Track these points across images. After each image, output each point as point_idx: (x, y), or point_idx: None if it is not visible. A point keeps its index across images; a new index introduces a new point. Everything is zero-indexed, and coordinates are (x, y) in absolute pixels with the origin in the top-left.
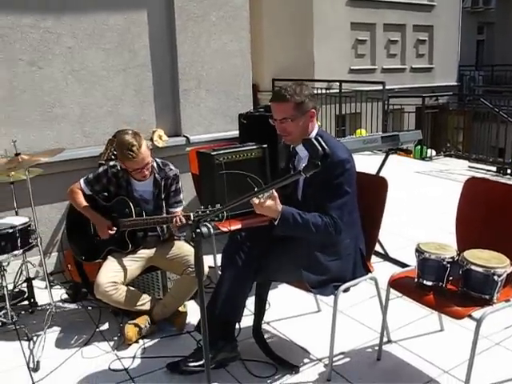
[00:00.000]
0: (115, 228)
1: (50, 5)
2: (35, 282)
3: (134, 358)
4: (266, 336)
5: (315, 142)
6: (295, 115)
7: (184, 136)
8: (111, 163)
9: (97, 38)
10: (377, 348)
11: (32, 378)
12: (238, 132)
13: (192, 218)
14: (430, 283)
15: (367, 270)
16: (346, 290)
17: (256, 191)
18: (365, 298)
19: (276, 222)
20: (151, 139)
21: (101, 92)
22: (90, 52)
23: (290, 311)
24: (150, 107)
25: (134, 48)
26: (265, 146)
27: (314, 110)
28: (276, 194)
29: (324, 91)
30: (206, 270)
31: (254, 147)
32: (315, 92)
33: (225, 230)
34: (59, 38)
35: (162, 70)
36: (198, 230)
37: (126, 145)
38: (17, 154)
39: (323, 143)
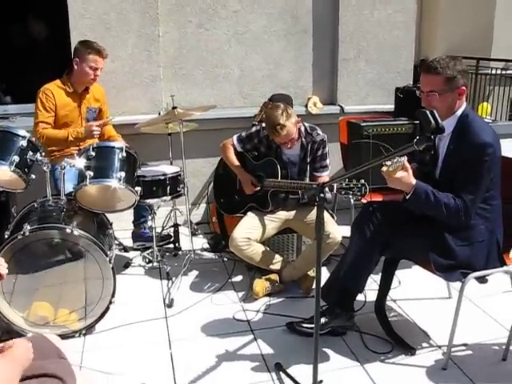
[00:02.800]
0: (258, 187)
1: None
2: (182, 229)
3: (257, 312)
4: (389, 314)
5: (429, 114)
6: (443, 90)
7: (338, 105)
8: (263, 124)
9: (261, 3)
10: (504, 347)
11: (165, 313)
12: (393, 106)
13: (335, 189)
14: None
15: (502, 263)
16: (481, 281)
17: (379, 158)
18: (498, 291)
19: (408, 197)
20: (306, 105)
21: (261, 56)
22: (253, 16)
23: (419, 293)
24: (307, 73)
25: (296, 13)
26: (417, 122)
27: (464, 88)
28: (408, 165)
29: (499, 71)
30: (340, 238)
31: (406, 122)
32: (489, 72)
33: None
34: (227, 2)
35: (322, 37)
36: (322, 195)
37: (272, 122)
38: (173, 108)
39: (437, 117)
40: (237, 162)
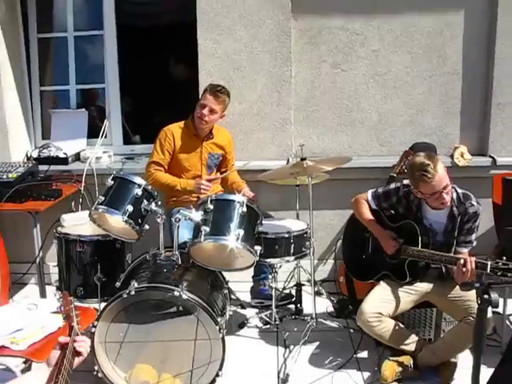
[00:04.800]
0: (399, 242)
1: (360, 6)
2: (305, 287)
3: None
4: None
5: None
6: None
7: (490, 156)
8: (405, 182)
9: (404, 41)
10: None
11: None
12: None
13: (488, 269)
14: None
15: None
16: None
17: None
18: None
19: None
20: (451, 156)
21: (402, 99)
22: (395, 56)
23: None
24: (454, 120)
25: (444, 53)
26: None
27: None
28: None
29: None
30: (492, 323)
31: None
32: None
33: None
34: (365, 41)
35: (473, 78)
36: (486, 296)
37: (419, 165)
38: (302, 159)
39: None
40: (371, 217)
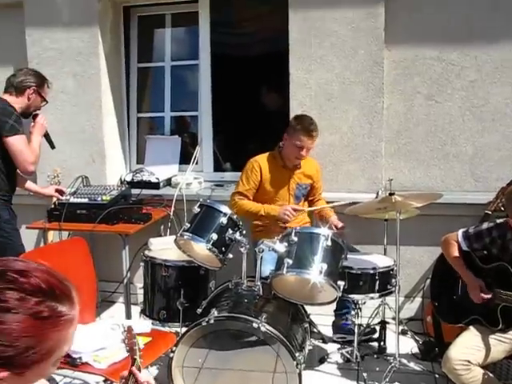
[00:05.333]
0: (490, 294)
1: (455, 35)
2: (389, 325)
3: None
4: None
5: None
6: None
7: None
8: (498, 221)
9: (505, 72)
10: None
11: None
12: None
13: None
14: None
15: None
16: None
17: None
18: None
19: None
20: None
21: (501, 132)
22: (494, 87)
23: None
24: None
25: None
26: None
27: None
28: None
29: None
30: None
31: None
32: None
33: None
34: (461, 71)
35: None
36: None
37: None
38: (391, 194)
39: None
40: (461, 261)
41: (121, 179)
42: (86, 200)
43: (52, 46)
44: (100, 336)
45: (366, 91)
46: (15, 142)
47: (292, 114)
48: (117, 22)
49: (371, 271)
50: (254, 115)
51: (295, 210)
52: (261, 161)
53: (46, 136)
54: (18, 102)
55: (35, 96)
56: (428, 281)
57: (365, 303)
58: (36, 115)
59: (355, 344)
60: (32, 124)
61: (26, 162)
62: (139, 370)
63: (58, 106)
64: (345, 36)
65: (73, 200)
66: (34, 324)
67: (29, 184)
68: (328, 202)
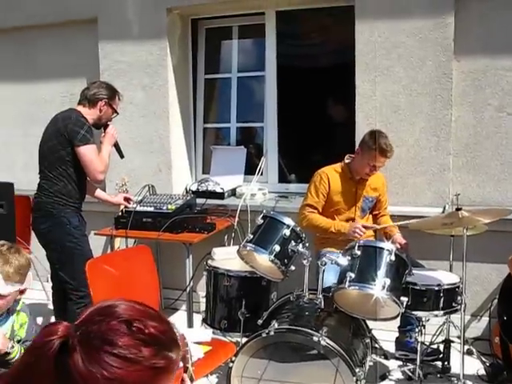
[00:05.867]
0: None
1: None
2: (454, 344)
3: None
4: None
5: None
6: None
7: None
8: None
9: None
10: None
11: None
12: None
13: None
14: None
15: None
16: None
17: None
18: None
19: None
20: None
21: None
22: None
23: None
24: None
25: None
26: None
27: None
28: None
29: None
30: None
31: None
32: None
33: None
34: None
35: None
36: None
37: None
38: (458, 209)
39: None
40: None
41: (186, 189)
42: (151, 209)
43: (122, 58)
44: None
45: (434, 103)
46: (86, 152)
47: (358, 127)
48: (185, 34)
49: (436, 288)
50: (320, 127)
51: (365, 228)
52: (329, 172)
53: (116, 146)
54: (90, 114)
55: (107, 108)
56: (496, 300)
57: (428, 320)
58: (107, 125)
59: (418, 362)
60: (103, 134)
61: (95, 170)
62: (191, 379)
63: (127, 116)
64: (412, 47)
65: (139, 208)
66: (151, 374)
67: (98, 192)
68: (392, 216)
